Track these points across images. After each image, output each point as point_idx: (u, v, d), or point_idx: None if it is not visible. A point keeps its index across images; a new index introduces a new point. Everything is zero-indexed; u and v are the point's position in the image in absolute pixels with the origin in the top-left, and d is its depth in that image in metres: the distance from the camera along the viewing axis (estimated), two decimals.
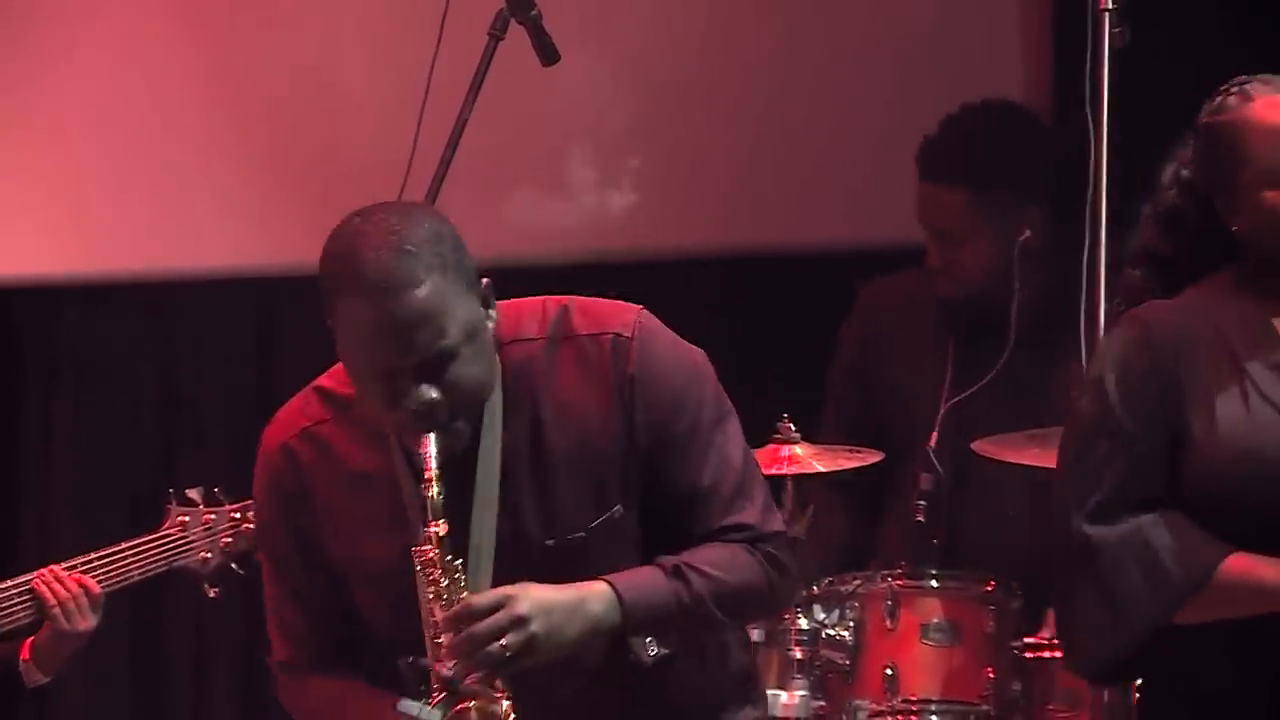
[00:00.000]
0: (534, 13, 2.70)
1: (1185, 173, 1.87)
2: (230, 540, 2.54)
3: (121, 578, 2.52)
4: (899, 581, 2.84)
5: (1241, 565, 1.70)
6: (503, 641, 1.65)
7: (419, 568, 1.69)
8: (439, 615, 1.68)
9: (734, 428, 1.85)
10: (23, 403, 3.73)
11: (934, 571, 2.88)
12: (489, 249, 2.02)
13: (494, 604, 1.67)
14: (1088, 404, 1.83)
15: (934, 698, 2.79)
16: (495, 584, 1.73)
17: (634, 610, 1.72)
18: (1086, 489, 1.77)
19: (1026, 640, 2.79)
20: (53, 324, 3.74)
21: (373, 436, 1.80)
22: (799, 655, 2.77)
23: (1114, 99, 2.63)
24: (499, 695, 1.67)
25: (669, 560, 1.76)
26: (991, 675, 2.77)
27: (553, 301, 1.83)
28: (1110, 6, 2.44)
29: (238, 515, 2.54)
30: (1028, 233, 3.02)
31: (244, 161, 3.60)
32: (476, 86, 2.69)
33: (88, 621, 2.46)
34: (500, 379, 1.78)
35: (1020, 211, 3.04)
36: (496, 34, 2.71)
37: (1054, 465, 2.66)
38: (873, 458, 2.93)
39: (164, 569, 2.55)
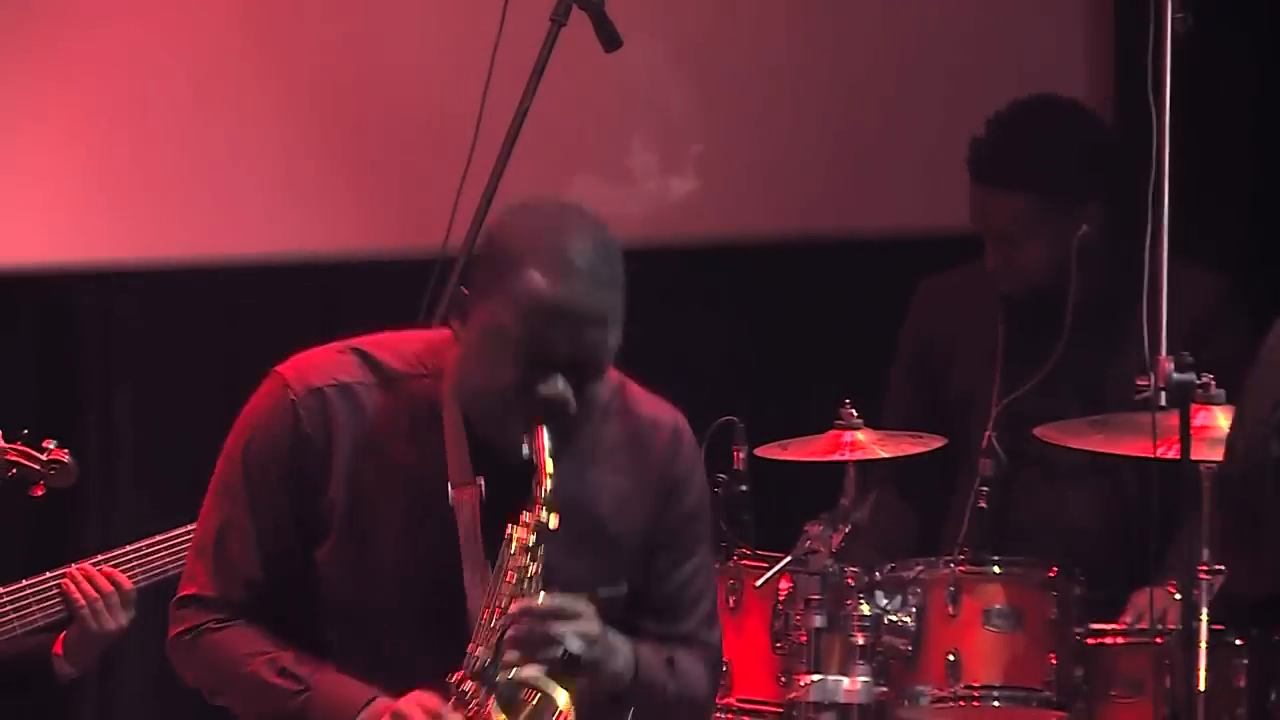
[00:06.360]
0: None
1: None
2: None
3: (159, 570, 2.47)
4: (961, 567, 2.83)
5: None
6: (575, 649, 1.66)
7: (511, 550, 1.67)
8: (514, 604, 1.66)
9: None
10: (85, 390, 3.75)
11: (996, 557, 2.87)
12: None
13: (580, 611, 1.68)
14: None
15: (996, 683, 2.77)
16: None
17: (641, 679, 1.76)
18: None
19: (1094, 627, 2.78)
20: (114, 310, 3.76)
21: (416, 420, 1.76)
22: (861, 641, 2.77)
23: (1176, 87, 2.61)
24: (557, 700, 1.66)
25: (665, 651, 1.81)
26: (1054, 661, 2.75)
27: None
28: None
29: None
30: (1085, 228, 3.00)
31: (306, 147, 3.62)
32: (538, 73, 2.70)
33: (118, 620, 2.43)
34: None
35: (1078, 209, 3.02)
36: (559, 19, 2.72)
37: (1114, 451, 2.73)
38: (935, 443, 2.92)
39: None
